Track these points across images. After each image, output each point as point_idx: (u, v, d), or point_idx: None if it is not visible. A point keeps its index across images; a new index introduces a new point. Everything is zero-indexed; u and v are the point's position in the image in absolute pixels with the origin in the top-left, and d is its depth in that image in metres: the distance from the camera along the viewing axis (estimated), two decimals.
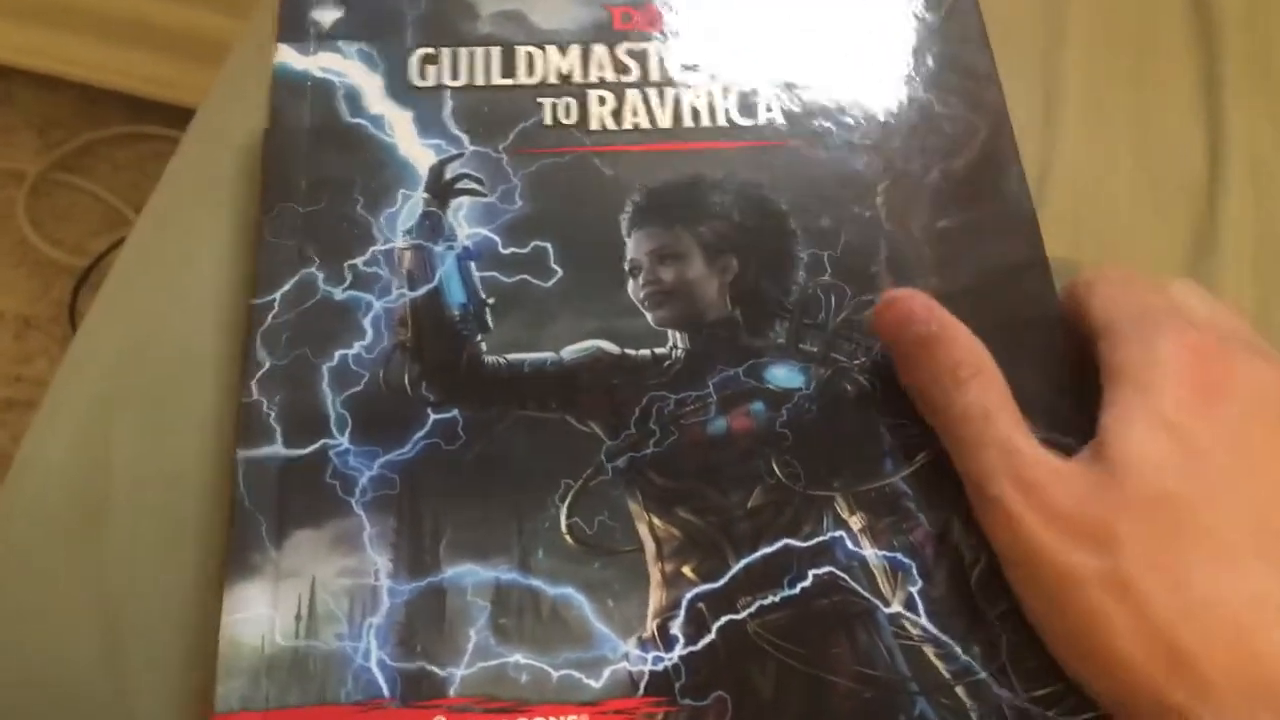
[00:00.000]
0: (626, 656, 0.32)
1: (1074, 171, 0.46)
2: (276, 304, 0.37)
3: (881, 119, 0.42)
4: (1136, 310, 0.34)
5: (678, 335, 0.37)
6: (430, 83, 0.41)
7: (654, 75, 0.42)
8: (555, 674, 0.32)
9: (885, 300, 0.36)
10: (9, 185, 1.29)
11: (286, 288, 0.37)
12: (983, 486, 0.32)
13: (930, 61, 0.44)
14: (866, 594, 0.34)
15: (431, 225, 0.39)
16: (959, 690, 0.33)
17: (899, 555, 0.34)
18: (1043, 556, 0.31)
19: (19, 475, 0.40)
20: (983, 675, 0.33)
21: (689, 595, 0.33)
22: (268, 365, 0.36)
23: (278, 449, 0.35)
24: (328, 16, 0.43)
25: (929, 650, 0.33)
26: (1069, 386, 0.37)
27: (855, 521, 0.35)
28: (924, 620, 0.33)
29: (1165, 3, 0.52)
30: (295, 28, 0.42)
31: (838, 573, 0.34)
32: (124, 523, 0.38)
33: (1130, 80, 0.49)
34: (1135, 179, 0.47)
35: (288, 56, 0.42)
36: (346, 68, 0.41)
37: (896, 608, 0.34)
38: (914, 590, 0.34)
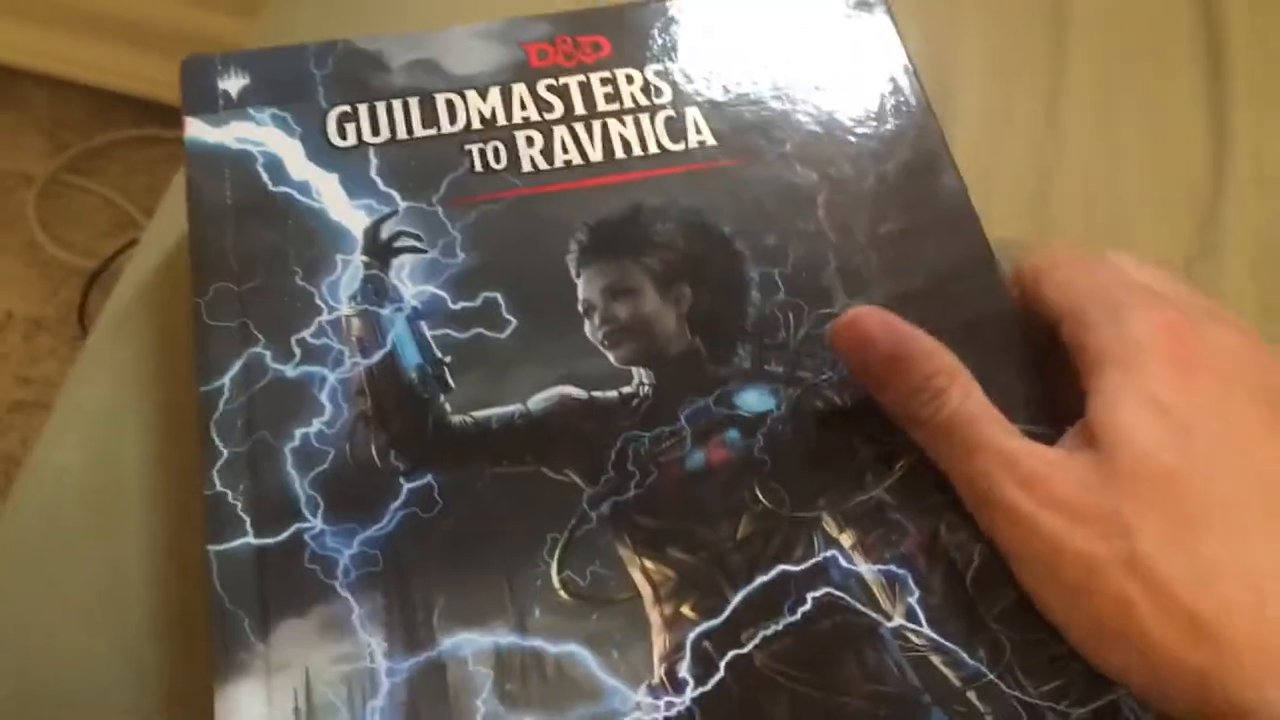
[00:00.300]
0: (639, 706, 0.32)
1: (1079, 171, 0.47)
2: (226, 389, 0.36)
3: (810, 128, 0.42)
4: (1097, 291, 0.35)
5: (642, 372, 0.37)
6: (351, 142, 0.40)
7: (579, 109, 0.42)
8: None
9: (841, 324, 0.35)
10: (19, 187, 1.29)
11: (234, 371, 0.36)
12: (985, 491, 0.32)
13: (847, 64, 0.44)
14: (867, 610, 0.33)
15: (375, 288, 0.38)
16: (970, 695, 0.33)
17: (893, 567, 0.34)
18: (1058, 548, 0.31)
19: (30, 479, 0.40)
20: (991, 677, 0.33)
21: (692, 635, 0.33)
22: (226, 454, 0.35)
23: (249, 540, 0.33)
24: (235, 84, 0.41)
25: (936, 659, 0.33)
26: (1037, 376, 0.37)
27: (845, 539, 0.35)
28: (927, 629, 0.33)
29: (1171, 3, 0.53)
30: (203, 99, 0.41)
31: (836, 592, 0.34)
32: (135, 526, 0.38)
33: (1135, 80, 0.50)
34: (1140, 178, 0.47)
35: (199, 130, 0.40)
36: (263, 135, 0.40)
37: (899, 620, 0.33)
38: (913, 600, 0.34)
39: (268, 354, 0.36)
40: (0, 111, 1.34)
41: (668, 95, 0.42)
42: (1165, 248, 0.46)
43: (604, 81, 0.43)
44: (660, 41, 0.44)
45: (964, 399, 0.33)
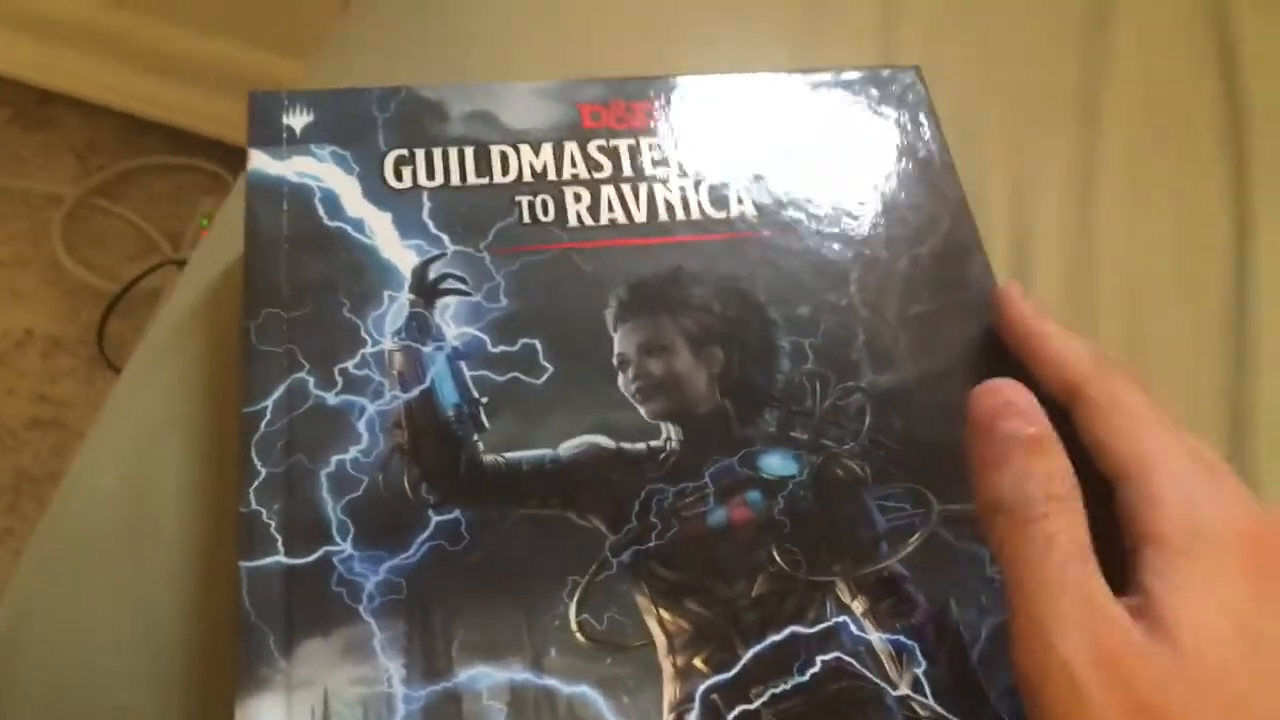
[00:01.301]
0: None
1: (1111, 259, 0.48)
2: (268, 411, 0.37)
3: (848, 209, 0.43)
4: (1166, 460, 0.32)
5: (671, 427, 0.38)
6: (406, 184, 0.42)
7: (626, 171, 0.43)
8: None
9: (984, 389, 0.34)
10: (47, 207, 1.32)
11: (277, 394, 0.37)
12: (1049, 638, 0.29)
13: (888, 151, 0.45)
14: (874, 678, 0.34)
15: (419, 326, 0.39)
16: None
17: (902, 638, 0.35)
18: None
19: (66, 500, 0.41)
20: None
21: (702, 687, 0.34)
22: (264, 474, 0.35)
23: (280, 559, 0.34)
24: (299, 121, 0.43)
25: None
26: None
27: (857, 605, 0.35)
28: (931, 701, 0.34)
29: (1198, 91, 0.54)
30: (267, 133, 0.42)
31: (845, 658, 0.34)
32: (167, 547, 0.39)
33: (1164, 165, 0.51)
34: (1167, 260, 0.48)
35: (261, 162, 0.42)
36: (322, 171, 0.42)
37: (904, 690, 0.34)
38: (919, 672, 0.34)
39: (311, 380, 0.37)
40: (34, 133, 1.37)
41: (713, 164, 0.44)
42: (1193, 331, 0.47)
43: (652, 146, 0.44)
44: (710, 113, 0.45)
45: (1074, 525, 0.31)
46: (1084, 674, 0.28)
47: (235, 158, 1.29)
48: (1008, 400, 0.33)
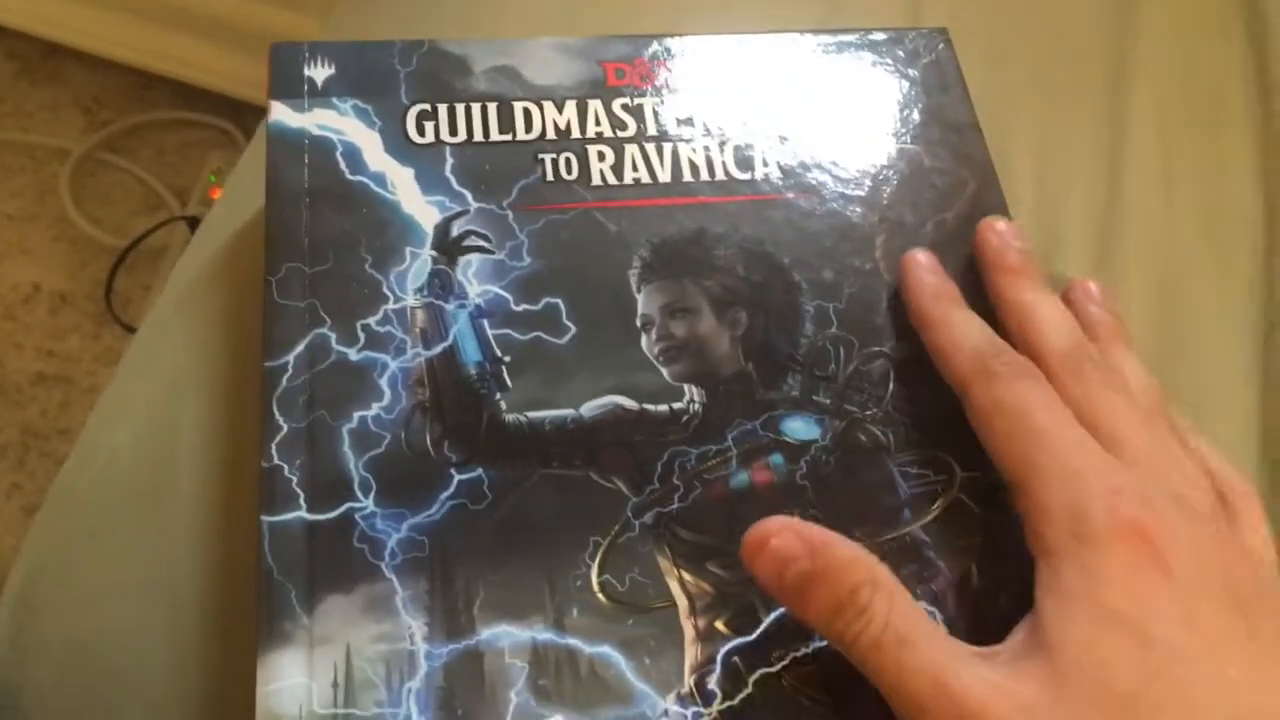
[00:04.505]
0: (666, 713, 0.33)
1: (1139, 232, 0.48)
2: (290, 366, 0.36)
3: (873, 172, 0.43)
4: (1053, 460, 0.32)
5: (694, 390, 0.38)
6: (429, 139, 0.41)
7: (650, 130, 0.43)
8: None
9: (753, 544, 0.32)
10: (54, 161, 1.32)
11: (299, 349, 0.37)
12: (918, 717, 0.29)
13: (914, 114, 0.45)
14: None
15: (442, 283, 0.38)
16: None
17: (923, 604, 0.35)
18: None
19: (81, 460, 0.41)
20: None
21: (724, 650, 0.34)
22: (286, 429, 0.35)
23: (302, 514, 0.34)
24: (321, 74, 0.42)
25: None
26: None
27: None
28: None
29: (1228, 60, 0.53)
30: (288, 85, 0.42)
31: None
32: (184, 506, 0.39)
33: (1193, 134, 0.51)
34: (1197, 231, 0.48)
35: (282, 114, 0.41)
36: (344, 125, 0.41)
37: None
38: None
39: (333, 336, 0.37)
40: (41, 86, 1.36)
41: (738, 124, 0.43)
42: (1224, 303, 0.47)
43: (677, 106, 0.44)
44: (734, 73, 0.45)
45: (890, 612, 0.30)
46: None
47: (244, 113, 1.29)
48: (779, 555, 0.32)
